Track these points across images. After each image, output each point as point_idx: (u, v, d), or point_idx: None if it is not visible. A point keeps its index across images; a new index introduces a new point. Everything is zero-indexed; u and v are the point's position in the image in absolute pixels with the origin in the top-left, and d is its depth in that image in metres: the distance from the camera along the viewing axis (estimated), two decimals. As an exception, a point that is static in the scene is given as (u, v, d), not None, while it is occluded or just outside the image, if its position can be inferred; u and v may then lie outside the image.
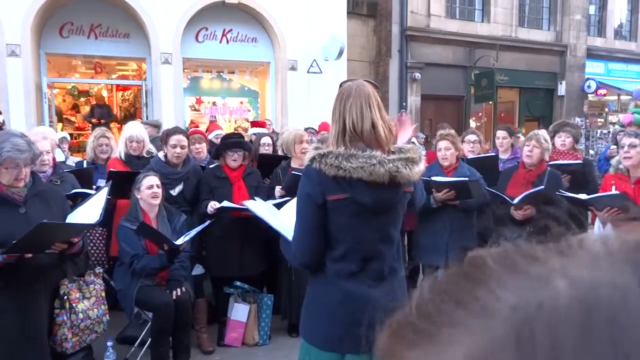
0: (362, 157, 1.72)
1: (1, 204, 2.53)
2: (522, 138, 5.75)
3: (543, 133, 4.04)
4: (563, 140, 4.71)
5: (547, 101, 14.38)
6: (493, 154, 4.75)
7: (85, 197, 3.09)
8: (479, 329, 0.27)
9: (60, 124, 9.93)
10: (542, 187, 3.60)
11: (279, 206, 2.70)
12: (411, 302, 0.34)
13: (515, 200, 3.60)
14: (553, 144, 4.75)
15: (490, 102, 13.01)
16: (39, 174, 3.43)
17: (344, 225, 1.79)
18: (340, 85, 1.92)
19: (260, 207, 2.36)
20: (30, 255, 2.47)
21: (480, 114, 13.79)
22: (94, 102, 10.44)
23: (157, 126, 6.40)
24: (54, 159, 3.71)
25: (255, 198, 2.92)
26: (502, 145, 4.90)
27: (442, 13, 12.39)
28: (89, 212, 2.74)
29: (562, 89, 14.06)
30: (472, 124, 13.41)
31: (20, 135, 2.59)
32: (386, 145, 1.82)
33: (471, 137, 4.80)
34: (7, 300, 2.52)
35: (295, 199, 2.26)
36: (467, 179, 3.68)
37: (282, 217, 2.19)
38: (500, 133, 4.98)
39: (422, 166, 1.85)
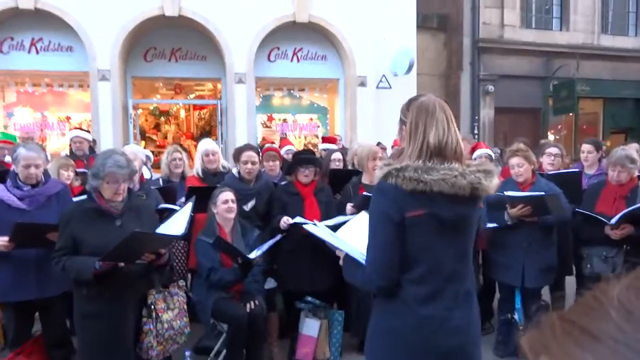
0: (442, 170, 1.66)
1: (101, 216, 2.77)
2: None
3: (629, 152, 3.75)
4: (657, 154, 4.37)
5: (636, 111, 13.40)
6: (576, 169, 4.45)
7: (171, 212, 3.28)
8: None
9: (143, 142, 10.61)
10: None
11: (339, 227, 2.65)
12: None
13: (613, 220, 3.38)
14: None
15: (571, 114, 12.32)
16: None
17: (422, 243, 1.71)
18: (411, 101, 1.85)
19: (322, 232, 2.29)
20: (122, 264, 2.65)
21: (559, 126, 13.10)
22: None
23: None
24: (142, 176, 3.96)
25: (316, 223, 2.86)
26: (588, 160, 4.56)
27: (516, 23, 11.97)
28: (174, 225, 2.91)
29: (652, 98, 13.07)
30: (551, 137, 12.75)
31: (121, 154, 2.83)
32: (463, 160, 1.77)
33: (552, 149, 4.55)
34: (101, 307, 2.72)
35: (356, 218, 2.20)
36: (543, 193, 3.49)
37: (344, 237, 2.07)
38: (586, 147, 4.61)
39: (497, 180, 1.79)
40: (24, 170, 3.12)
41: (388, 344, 1.77)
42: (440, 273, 1.72)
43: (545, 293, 4.16)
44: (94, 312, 2.73)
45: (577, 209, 3.64)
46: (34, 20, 8.40)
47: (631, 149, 4.01)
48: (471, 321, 1.79)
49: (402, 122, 1.86)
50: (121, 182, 2.76)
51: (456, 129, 1.79)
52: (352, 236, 2.02)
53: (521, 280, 3.63)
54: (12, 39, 8.54)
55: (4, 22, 8.40)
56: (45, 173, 3.35)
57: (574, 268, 4.29)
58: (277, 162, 4.74)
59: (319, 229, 2.27)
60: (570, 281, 4.48)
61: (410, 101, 1.86)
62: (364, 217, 1.96)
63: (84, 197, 3.13)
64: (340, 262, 1.95)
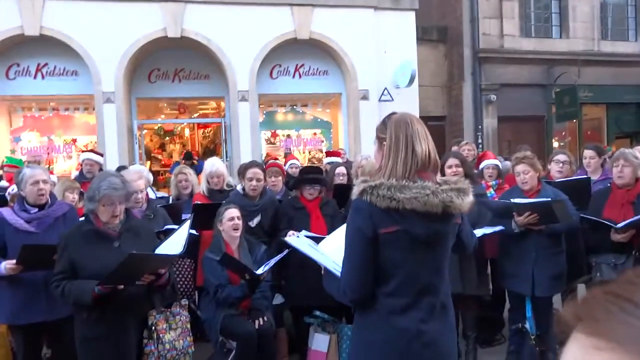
0: (415, 188, 1.69)
1: (98, 238, 2.75)
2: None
3: (631, 150, 3.76)
4: (662, 157, 4.35)
5: (639, 116, 13.37)
6: (585, 176, 4.44)
7: (170, 231, 3.27)
8: None
9: (149, 162, 10.68)
10: None
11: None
12: None
13: (620, 225, 3.35)
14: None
15: (574, 120, 12.31)
16: (134, 209, 3.70)
17: (396, 258, 1.75)
18: (386, 118, 1.90)
19: (302, 243, 2.30)
20: (122, 286, 2.64)
21: (563, 133, 13.07)
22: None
23: None
24: (147, 195, 3.98)
25: (297, 234, 2.86)
26: (590, 166, 4.55)
27: (516, 32, 12.04)
28: (173, 244, 2.89)
29: (655, 102, 13.05)
30: (555, 144, 12.73)
31: (115, 175, 2.82)
32: (435, 175, 1.82)
33: (561, 157, 4.55)
34: (102, 330, 2.70)
35: (338, 231, 2.20)
36: (550, 199, 3.47)
37: (325, 250, 2.12)
38: (588, 152, 4.63)
39: (471, 197, 1.81)
40: (32, 188, 3.14)
41: (368, 357, 1.80)
42: (414, 286, 1.76)
43: (557, 301, 4.12)
44: (95, 336, 2.70)
45: (582, 215, 3.61)
46: (39, 46, 8.54)
47: (636, 150, 4.00)
48: (445, 333, 1.82)
49: (380, 140, 1.89)
50: (117, 204, 2.74)
51: (434, 147, 1.83)
52: (333, 248, 2.05)
53: (531, 289, 3.60)
54: (18, 65, 8.67)
55: (10, 49, 8.54)
56: (52, 195, 3.38)
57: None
58: (280, 178, 4.75)
59: (298, 240, 2.29)
60: (582, 289, 4.44)
61: (386, 119, 1.90)
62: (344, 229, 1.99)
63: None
64: (322, 272, 2.00)
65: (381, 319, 1.76)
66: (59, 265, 2.73)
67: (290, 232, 3.79)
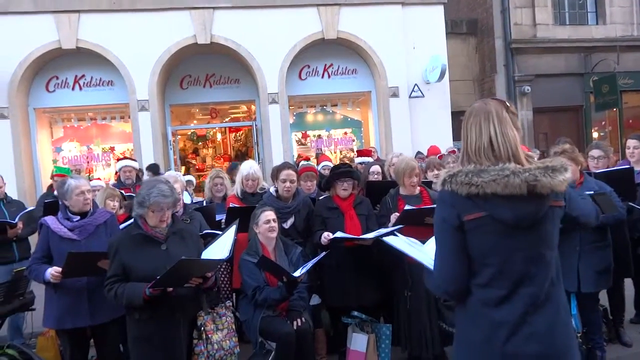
0: (493, 171, 1.61)
1: (147, 242, 2.86)
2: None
3: None
4: None
5: (685, 102, 12.77)
6: (627, 166, 4.26)
7: (213, 236, 3.34)
8: None
9: (183, 167, 10.87)
10: None
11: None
12: None
13: None
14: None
15: (615, 109, 11.86)
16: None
17: (486, 246, 1.66)
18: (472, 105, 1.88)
19: (401, 242, 2.25)
20: (171, 289, 2.72)
21: (603, 122, 12.61)
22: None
23: None
24: (182, 200, 4.05)
25: (397, 234, 2.80)
26: (634, 156, 4.38)
27: (549, 21, 11.69)
28: (219, 248, 2.97)
29: (702, 87, 12.42)
30: (595, 134, 12.28)
31: (165, 182, 2.93)
32: (515, 159, 1.67)
33: (595, 152, 4.37)
34: (153, 329, 2.80)
35: None
36: (592, 192, 3.34)
37: (427, 250, 2.04)
38: (631, 142, 4.45)
39: (567, 175, 1.65)
40: (79, 198, 3.27)
41: (467, 353, 1.73)
42: (509, 276, 1.65)
43: (603, 296, 3.96)
44: (147, 335, 2.81)
45: (630, 204, 3.46)
46: (75, 58, 8.83)
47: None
48: (558, 329, 1.66)
49: None
50: (165, 210, 2.86)
51: (502, 130, 1.70)
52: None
53: (576, 285, 3.48)
54: (57, 77, 8.99)
55: (48, 63, 8.86)
56: (93, 203, 3.48)
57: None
58: (315, 182, 4.71)
59: (396, 239, 2.24)
60: (629, 283, 4.26)
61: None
62: None
63: (131, 221, 3.23)
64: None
65: (478, 311, 1.69)
66: (112, 269, 2.85)
67: (326, 234, 3.78)
